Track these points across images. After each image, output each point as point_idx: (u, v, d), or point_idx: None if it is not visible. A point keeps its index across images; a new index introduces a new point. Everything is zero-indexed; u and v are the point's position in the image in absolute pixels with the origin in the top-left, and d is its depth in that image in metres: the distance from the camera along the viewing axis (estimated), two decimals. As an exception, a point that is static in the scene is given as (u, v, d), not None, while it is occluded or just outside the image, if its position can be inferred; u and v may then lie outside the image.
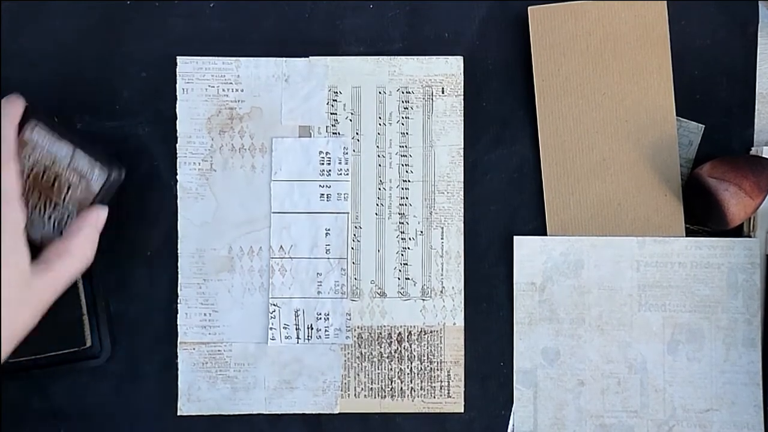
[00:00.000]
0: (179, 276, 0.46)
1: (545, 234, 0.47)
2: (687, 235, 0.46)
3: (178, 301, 0.46)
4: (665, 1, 0.46)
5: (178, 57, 0.46)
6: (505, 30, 0.47)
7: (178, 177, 0.46)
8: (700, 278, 0.46)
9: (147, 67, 0.46)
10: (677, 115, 0.46)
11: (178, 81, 0.46)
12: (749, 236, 0.46)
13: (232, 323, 0.46)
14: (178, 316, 0.46)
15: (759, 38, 0.47)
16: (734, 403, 0.46)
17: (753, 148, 0.47)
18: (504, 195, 0.47)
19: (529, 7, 0.46)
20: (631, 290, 0.46)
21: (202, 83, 0.46)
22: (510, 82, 0.47)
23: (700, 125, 0.47)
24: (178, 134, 0.46)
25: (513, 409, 0.47)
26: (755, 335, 0.46)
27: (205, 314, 0.46)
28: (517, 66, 0.47)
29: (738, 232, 0.47)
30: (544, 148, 0.46)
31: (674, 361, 0.46)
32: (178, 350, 0.46)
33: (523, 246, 0.46)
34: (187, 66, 0.46)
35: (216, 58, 0.46)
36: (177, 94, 0.46)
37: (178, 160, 0.46)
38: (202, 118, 0.46)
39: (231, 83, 0.46)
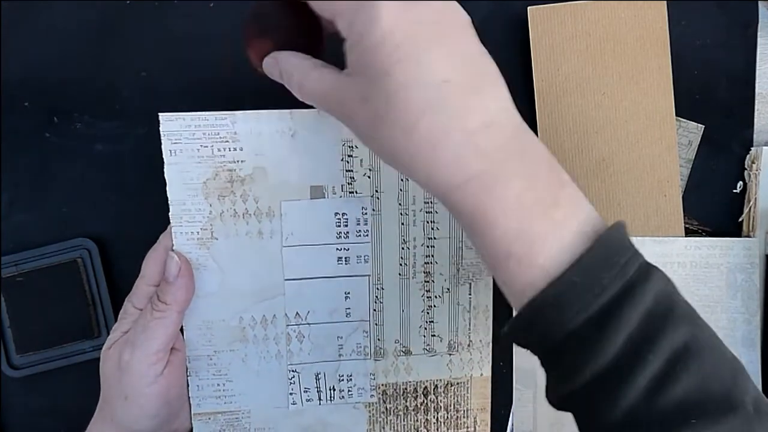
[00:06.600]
0: (186, 349, 0.42)
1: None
2: (687, 235, 0.46)
3: (188, 374, 0.42)
4: (665, 1, 0.46)
5: (160, 114, 0.39)
6: (505, 30, 0.47)
7: (174, 245, 0.41)
8: (699, 278, 0.46)
9: (147, 67, 0.46)
10: (677, 115, 0.46)
11: (163, 142, 0.40)
12: (748, 236, 0.46)
13: (249, 391, 0.43)
14: (190, 388, 0.42)
15: (759, 38, 0.47)
16: (733, 403, 0.46)
17: (753, 148, 0.47)
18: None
19: (529, 7, 0.46)
20: (631, 290, 0.46)
21: (193, 143, 0.40)
22: (510, 82, 0.47)
23: (700, 125, 0.47)
24: (170, 201, 0.40)
25: (513, 409, 0.47)
26: (754, 335, 0.46)
27: (218, 384, 0.42)
28: (517, 66, 0.47)
29: (737, 232, 0.47)
30: (544, 148, 0.46)
31: (674, 360, 0.46)
32: (193, 421, 0.43)
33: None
34: (171, 124, 0.39)
35: (207, 113, 0.40)
36: (164, 156, 0.40)
37: (173, 230, 0.41)
38: (196, 182, 0.40)
39: (227, 141, 0.40)
